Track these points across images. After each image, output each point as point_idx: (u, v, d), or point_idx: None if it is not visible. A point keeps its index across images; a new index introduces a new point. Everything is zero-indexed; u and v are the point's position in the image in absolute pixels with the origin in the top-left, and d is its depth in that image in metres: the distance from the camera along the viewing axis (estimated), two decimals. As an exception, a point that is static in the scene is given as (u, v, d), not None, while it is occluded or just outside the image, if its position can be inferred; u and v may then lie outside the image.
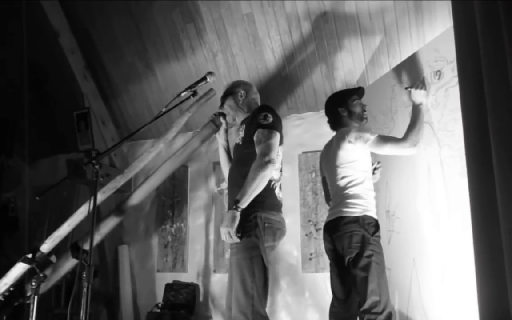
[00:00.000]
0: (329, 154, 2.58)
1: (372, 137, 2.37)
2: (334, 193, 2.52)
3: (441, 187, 2.46)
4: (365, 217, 2.32)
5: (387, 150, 2.41)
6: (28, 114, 3.46)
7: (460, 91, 1.86)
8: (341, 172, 2.45)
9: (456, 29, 1.92)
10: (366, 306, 2.21)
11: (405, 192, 2.77)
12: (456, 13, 1.94)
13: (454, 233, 2.33)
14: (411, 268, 2.64)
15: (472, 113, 1.75)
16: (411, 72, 2.76)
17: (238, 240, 2.08)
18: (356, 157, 2.43)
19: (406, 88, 2.59)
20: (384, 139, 2.41)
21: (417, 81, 2.59)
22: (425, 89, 2.50)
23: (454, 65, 2.29)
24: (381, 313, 2.19)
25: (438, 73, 2.54)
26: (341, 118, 2.59)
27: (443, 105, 2.49)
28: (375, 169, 2.63)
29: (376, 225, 2.35)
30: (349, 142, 2.42)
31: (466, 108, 1.81)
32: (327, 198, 2.72)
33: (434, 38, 2.72)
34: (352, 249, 2.29)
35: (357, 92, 2.66)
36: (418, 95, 2.46)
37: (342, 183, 2.43)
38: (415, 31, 3.23)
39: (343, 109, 2.59)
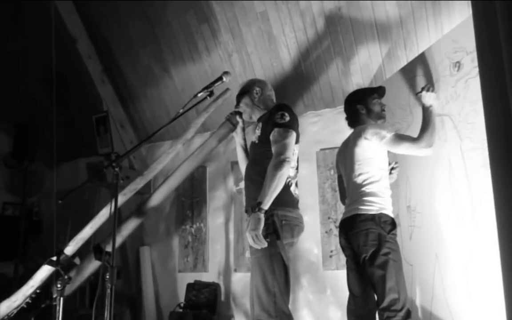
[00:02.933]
0: (346, 151, 2.58)
1: (389, 135, 2.37)
2: (350, 190, 2.51)
3: (463, 180, 2.41)
4: (381, 215, 2.31)
5: (403, 149, 2.41)
6: (56, 120, 3.53)
7: (480, 82, 1.82)
8: (357, 169, 2.44)
9: (475, 19, 1.88)
10: (385, 303, 2.21)
11: (426, 187, 2.72)
12: (475, 2, 1.90)
13: (478, 226, 2.29)
14: (434, 263, 2.60)
15: (494, 104, 1.71)
16: (429, 64, 2.72)
17: (266, 244, 2.08)
18: (372, 154, 2.43)
19: (416, 94, 2.61)
20: (401, 138, 2.41)
21: (427, 84, 2.59)
22: (435, 91, 2.52)
23: (474, 55, 2.24)
24: (400, 310, 2.18)
25: (458, 65, 2.50)
26: (359, 116, 2.59)
27: (463, 97, 2.44)
28: (392, 169, 2.62)
29: (392, 223, 2.34)
30: (365, 138, 2.42)
31: (487, 98, 1.77)
32: (342, 197, 2.72)
33: (452, 28, 2.66)
34: (368, 247, 2.28)
35: (378, 91, 2.65)
36: (429, 98, 2.47)
37: (358, 180, 2.43)
38: (433, 22, 3.18)
39: (362, 107, 2.59)
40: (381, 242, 2.26)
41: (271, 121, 2.28)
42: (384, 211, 2.33)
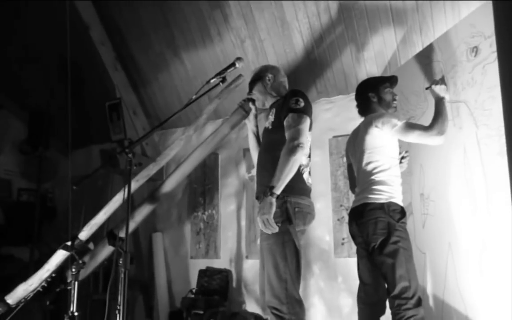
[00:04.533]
0: (356, 139, 2.58)
1: (399, 123, 2.37)
2: (360, 179, 2.51)
3: (478, 168, 2.38)
4: (390, 204, 2.31)
5: (414, 137, 2.40)
6: (69, 107, 3.56)
7: (499, 67, 1.79)
8: (367, 157, 2.45)
9: (495, 3, 1.83)
10: (396, 291, 2.21)
11: (440, 174, 2.69)
12: (494, -15, 1.85)
13: (493, 215, 2.25)
14: (447, 252, 2.58)
15: (513, 90, 1.67)
16: (445, 50, 2.67)
17: (276, 229, 2.07)
18: (383, 142, 2.42)
19: (426, 88, 2.61)
20: (411, 126, 2.41)
21: (435, 79, 2.59)
22: (445, 84, 2.51)
23: (492, 40, 2.19)
24: (411, 298, 2.19)
25: (475, 50, 2.44)
26: (371, 104, 2.59)
27: (480, 83, 2.39)
28: (402, 158, 2.61)
29: (401, 211, 2.34)
30: (376, 127, 2.42)
31: (505, 84, 1.73)
32: (352, 186, 2.72)
33: (470, 13, 2.60)
34: (377, 235, 2.29)
35: (390, 80, 2.65)
36: (439, 90, 2.48)
37: (368, 168, 2.43)
38: (450, 6, 3.10)
39: (374, 95, 2.59)
40: (390, 230, 2.27)
41: (286, 106, 2.27)
42: (393, 200, 2.33)
